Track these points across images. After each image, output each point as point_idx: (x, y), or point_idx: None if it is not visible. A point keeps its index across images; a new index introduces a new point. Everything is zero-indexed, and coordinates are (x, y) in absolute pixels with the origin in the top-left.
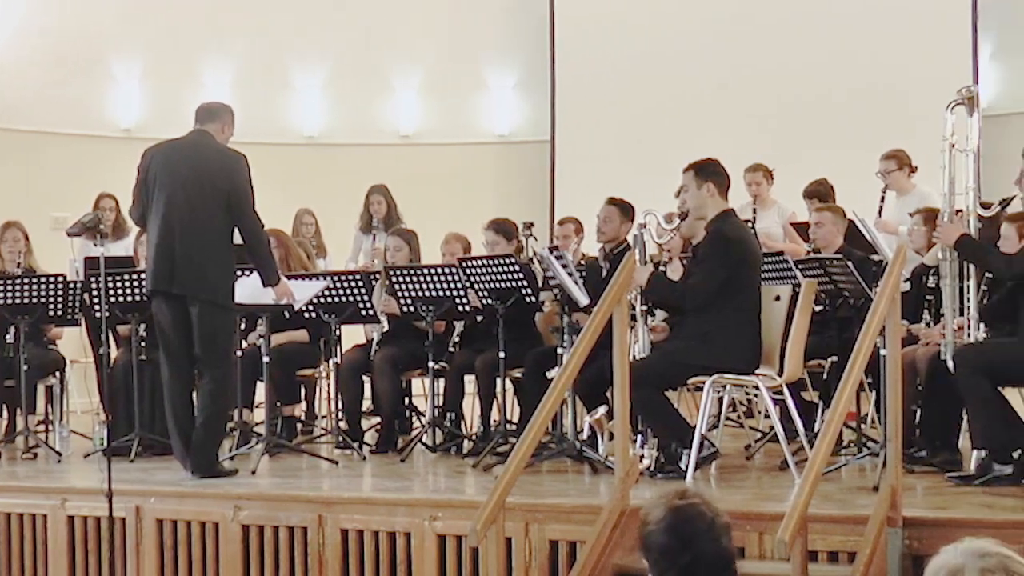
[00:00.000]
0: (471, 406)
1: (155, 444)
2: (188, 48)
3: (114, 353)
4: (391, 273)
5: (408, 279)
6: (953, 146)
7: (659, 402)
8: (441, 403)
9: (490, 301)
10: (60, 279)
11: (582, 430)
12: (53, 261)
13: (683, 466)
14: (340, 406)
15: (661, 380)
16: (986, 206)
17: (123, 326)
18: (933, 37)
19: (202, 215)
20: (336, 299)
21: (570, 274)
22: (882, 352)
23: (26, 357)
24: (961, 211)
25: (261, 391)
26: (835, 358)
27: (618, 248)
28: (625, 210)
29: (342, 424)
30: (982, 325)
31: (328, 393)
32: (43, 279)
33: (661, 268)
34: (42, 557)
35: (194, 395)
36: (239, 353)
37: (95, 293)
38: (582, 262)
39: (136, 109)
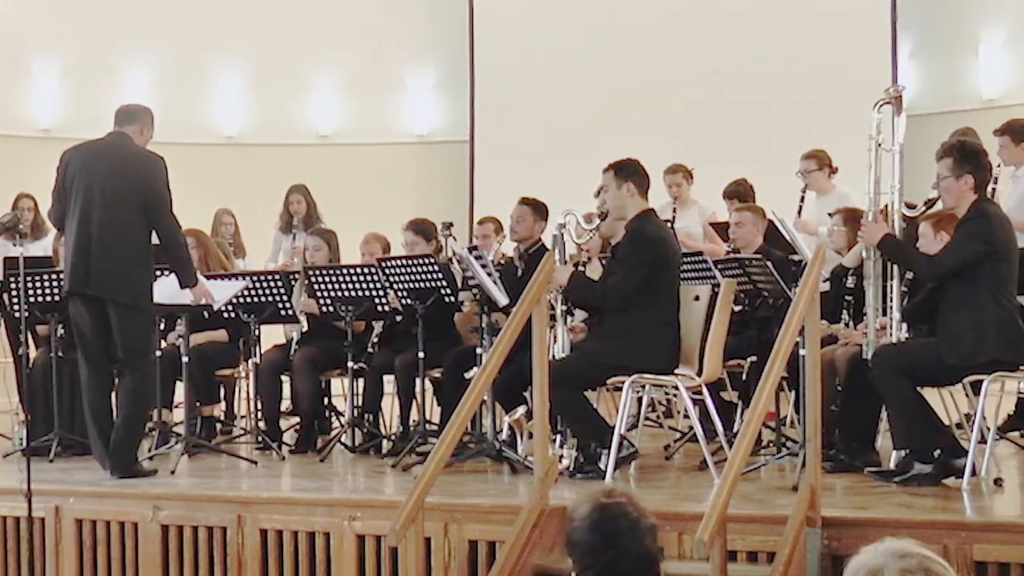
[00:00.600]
0: (390, 406)
1: (74, 444)
2: (108, 48)
3: (33, 353)
4: (310, 273)
5: (327, 279)
6: (880, 145)
7: (578, 402)
8: (360, 403)
9: (409, 301)
10: None
11: (501, 430)
12: None
13: (602, 466)
14: (259, 406)
15: (580, 380)
16: (911, 206)
17: (42, 326)
18: (853, 36)
19: (119, 217)
20: (255, 299)
21: (489, 274)
22: (801, 352)
23: None
24: (885, 208)
25: (180, 391)
26: (754, 358)
27: (532, 248)
28: (538, 209)
29: (261, 424)
30: (904, 325)
31: (247, 393)
32: None
33: (580, 268)
34: None
35: (113, 395)
36: (158, 353)
37: (14, 293)
38: (501, 262)
39: (55, 109)
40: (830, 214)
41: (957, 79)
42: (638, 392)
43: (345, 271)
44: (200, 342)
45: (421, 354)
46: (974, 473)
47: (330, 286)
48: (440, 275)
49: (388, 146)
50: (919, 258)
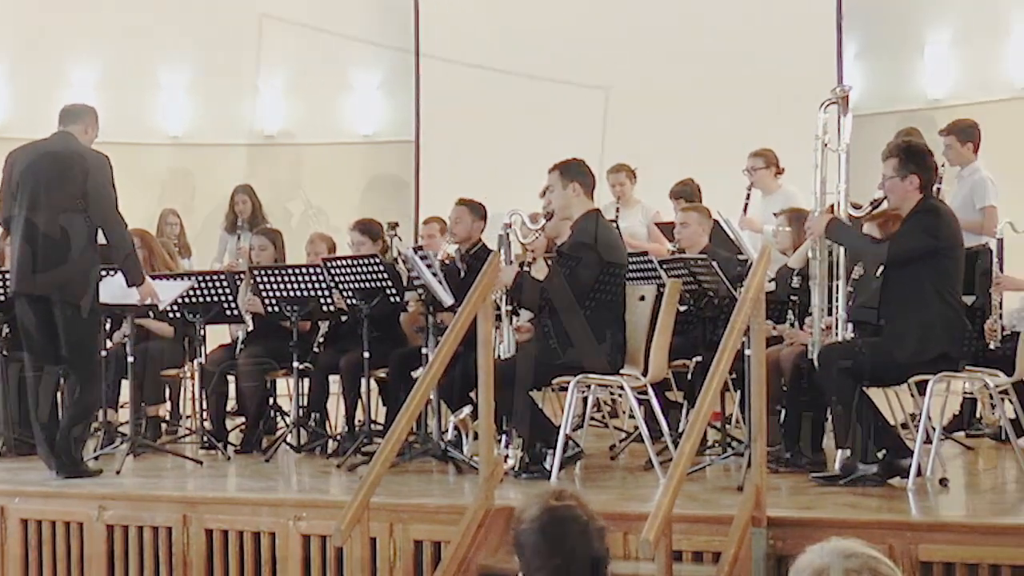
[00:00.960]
0: (336, 406)
1: (20, 444)
2: (54, 48)
3: None
4: (256, 273)
5: (273, 279)
6: (826, 145)
7: (524, 402)
8: (306, 403)
9: (355, 301)
10: None
11: (447, 430)
12: None
13: (548, 466)
14: (204, 406)
15: (526, 380)
16: (856, 207)
17: None
18: (798, 37)
19: (65, 216)
20: (201, 299)
21: (435, 274)
22: (746, 352)
23: None
24: (832, 208)
25: (125, 391)
26: (700, 358)
27: (473, 248)
28: (475, 210)
29: (207, 424)
30: (849, 325)
31: (192, 393)
32: None
33: (525, 268)
34: None
35: (59, 395)
36: (103, 353)
37: None
38: (447, 262)
39: (1, 110)
40: (775, 214)
41: (903, 79)
42: (583, 392)
43: (291, 271)
44: (145, 328)
45: (366, 354)
46: (919, 473)
47: (276, 286)
48: (385, 275)
49: (334, 146)
50: (865, 241)
